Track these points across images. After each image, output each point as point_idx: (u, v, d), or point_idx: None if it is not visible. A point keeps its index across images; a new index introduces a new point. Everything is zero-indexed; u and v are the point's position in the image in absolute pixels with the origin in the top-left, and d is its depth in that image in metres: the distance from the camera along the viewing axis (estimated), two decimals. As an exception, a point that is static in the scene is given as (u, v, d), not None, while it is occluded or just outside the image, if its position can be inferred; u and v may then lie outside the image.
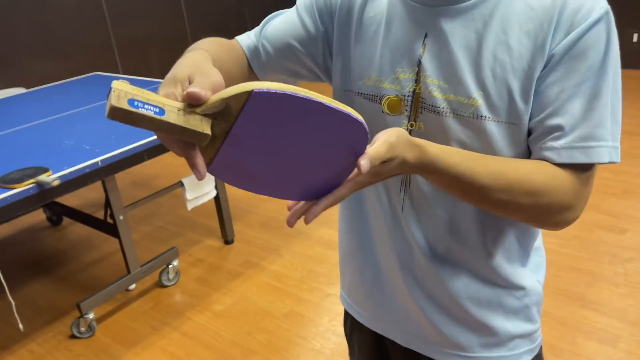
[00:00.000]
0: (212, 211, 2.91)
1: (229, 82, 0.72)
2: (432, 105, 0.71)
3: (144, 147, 1.98)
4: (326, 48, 0.83)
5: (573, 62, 0.64)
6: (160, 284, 2.42)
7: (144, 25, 5.02)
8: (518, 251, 0.80)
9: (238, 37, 0.87)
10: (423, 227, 0.78)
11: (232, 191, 3.14)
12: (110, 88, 0.47)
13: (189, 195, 2.42)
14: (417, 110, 0.73)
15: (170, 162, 3.79)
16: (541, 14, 0.64)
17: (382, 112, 0.76)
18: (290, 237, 2.73)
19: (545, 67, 0.65)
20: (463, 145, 0.70)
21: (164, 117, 0.48)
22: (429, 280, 0.81)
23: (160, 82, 2.98)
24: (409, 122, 0.74)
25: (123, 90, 0.47)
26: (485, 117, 0.68)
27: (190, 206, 2.46)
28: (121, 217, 2.13)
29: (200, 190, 2.47)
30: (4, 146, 2.12)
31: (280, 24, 0.84)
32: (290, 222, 0.59)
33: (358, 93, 0.79)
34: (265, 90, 0.49)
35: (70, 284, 2.52)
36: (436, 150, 0.63)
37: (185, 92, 0.49)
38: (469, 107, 0.68)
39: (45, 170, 1.77)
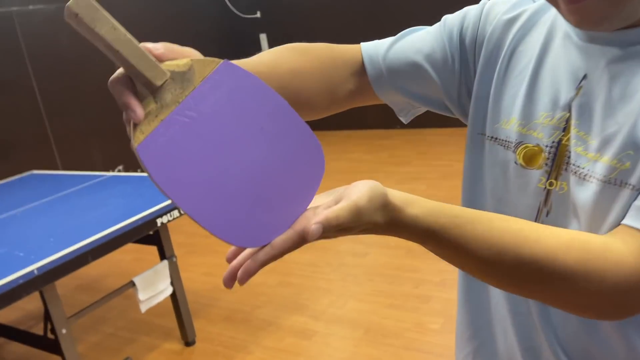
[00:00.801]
0: (168, 310, 2.63)
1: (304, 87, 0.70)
2: (577, 166, 0.58)
3: (88, 248, 1.76)
4: (463, 81, 0.71)
5: None
6: (114, 403, 2.10)
7: (83, 118, 4.86)
8: None
9: (364, 43, 0.76)
10: (552, 319, 0.64)
11: (189, 284, 2.89)
12: None
13: (142, 295, 2.17)
14: (560, 165, 0.60)
15: (120, 259, 3.50)
16: None
17: (516, 162, 0.64)
18: (258, 329, 2.49)
19: None
20: (592, 212, 0.56)
21: (122, 36, 0.45)
22: None
23: (103, 175, 2.78)
24: (548, 179, 0.61)
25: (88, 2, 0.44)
26: (626, 184, 0.54)
27: (144, 308, 2.20)
28: (64, 331, 1.86)
29: (155, 289, 2.23)
30: None
31: (415, 40, 0.73)
32: (226, 283, 0.48)
33: (491, 137, 0.67)
34: (234, 65, 0.47)
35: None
36: (417, 211, 0.50)
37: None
38: (613, 169, 0.55)
39: (-31, 286, 1.52)
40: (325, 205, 0.49)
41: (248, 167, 0.47)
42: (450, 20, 0.73)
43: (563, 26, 0.62)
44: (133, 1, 5.30)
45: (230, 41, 6.27)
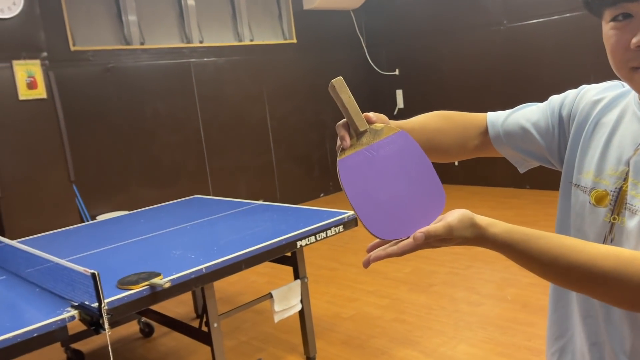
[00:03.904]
0: (294, 327, 2.97)
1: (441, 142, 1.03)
2: (631, 204, 0.81)
3: (243, 257, 2.16)
4: (561, 143, 0.97)
5: None
6: (244, 397, 2.44)
7: (235, 156, 5.54)
8: None
9: (489, 113, 1.08)
10: (613, 319, 0.85)
11: (313, 309, 3.21)
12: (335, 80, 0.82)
13: (277, 307, 2.53)
14: (621, 206, 0.83)
15: (254, 280, 3.95)
16: None
17: (590, 202, 0.88)
18: (371, 356, 2.72)
19: None
20: (638, 236, 0.78)
21: (351, 104, 0.81)
22: None
23: (253, 203, 3.25)
24: (612, 215, 0.84)
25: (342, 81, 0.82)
26: None
27: (277, 318, 2.55)
28: (215, 325, 2.26)
29: (287, 303, 2.58)
30: (120, 255, 2.38)
31: (527, 112, 1.01)
32: (364, 263, 0.75)
33: (575, 184, 0.92)
34: (408, 135, 0.82)
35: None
36: (497, 230, 0.73)
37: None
38: None
39: (157, 274, 1.97)
40: (432, 223, 0.75)
41: (395, 192, 0.78)
42: (555, 99, 1.00)
43: (632, 107, 0.86)
44: (293, 56, 5.99)
45: (370, 95, 6.74)
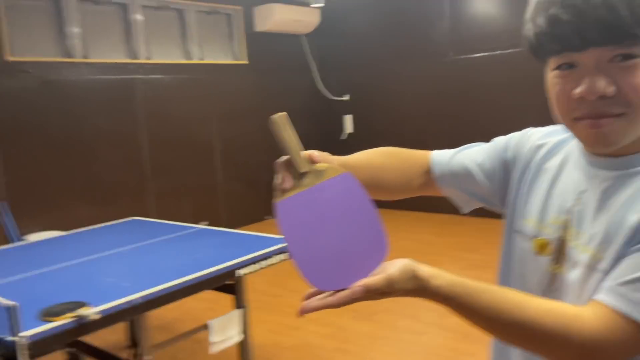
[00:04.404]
0: (233, 357, 2.86)
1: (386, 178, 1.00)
2: (572, 255, 0.79)
3: (180, 286, 2.06)
4: (504, 187, 0.95)
5: None
6: None
7: (180, 176, 5.40)
8: None
9: (434, 151, 1.04)
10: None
11: (255, 336, 3.11)
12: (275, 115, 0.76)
13: (213, 337, 2.43)
14: (562, 256, 0.81)
15: (194, 307, 3.81)
16: None
17: (532, 250, 0.86)
18: (312, 388, 2.65)
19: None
20: (578, 290, 0.76)
21: (293, 142, 0.76)
22: None
23: (194, 227, 3.14)
24: (553, 265, 0.82)
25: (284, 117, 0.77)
26: (599, 269, 0.74)
27: (214, 349, 2.45)
28: (149, 357, 2.14)
29: (225, 334, 2.48)
30: (48, 281, 2.23)
31: (471, 152, 0.99)
32: (300, 311, 0.70)
33: (518, 231, 0.90)
34: (353, 178, 0.76)
35: None
36: (440, 283, 0.70)
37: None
38: (592, 258, 0.75)
39: (84, 304, 1.85)
40: (372, 274, 0.72)
41: (336, 239, 0.73)
42: (499, 141, 0.99)
43: (574, 154, 0.86)
44: (244, 77, 5.94)
45: (320, 119, 6.76)
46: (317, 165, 0.77)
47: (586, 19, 0.68)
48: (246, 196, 6.05)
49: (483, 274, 3.75)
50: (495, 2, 5.41)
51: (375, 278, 0.69)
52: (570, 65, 0.73)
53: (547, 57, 0.76)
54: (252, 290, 3.38)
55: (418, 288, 0.70)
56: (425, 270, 0.71)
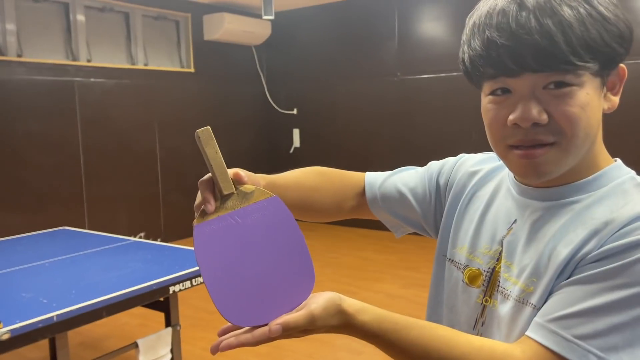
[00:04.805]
0: (163, 378, 2.73)
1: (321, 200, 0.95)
2: (503, 287, 0.76)
3: (105, 304, 1.94)
4: (437, 212, 0.92)
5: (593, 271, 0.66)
6: None
7: (117, 185, 5.18)
8: None
9: (368, 173, 1.00)
10: None
11: (187, 356, 2.98)
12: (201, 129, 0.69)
13: (142, 358, 2.30)
14: (493, 288, 0.78)
15: (125, 323, 3.62)
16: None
17: (462, 281, 0.82)
18: (245, 410, 2.55)
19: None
20: (509, 324, 0.73)
21: (218, 158, 0.69)
22: None
23: (127, 240, 3.00)
24: (484, 296, 0.79)
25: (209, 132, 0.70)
26: (530, 303, 0.71)
27: (142, 370, 2.32)
28: (66, 380, 1.99)
29: (155, 354, 2.36)
30: (-45, 296, 2.05)
31: (405, 176, 0.95)
32: (212, 349, 0.64)
33: (449, 259, 0.86)
34: (280, 202, 0.70)
35: None
36: (367, 318, 0.66)
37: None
38: (522, 291, 0.72)
39: (-5, 323, 1.70)
40: (295, 310, 0.66)
41: (258, 269, 0.67)
42: (433, 165, 0.97)
43: (506, 183, 0.84)
44: (190, 86, 5.80)
45: (267, 132, 6.70)
46: (244, 187, 0.71)
47: (522, 44, 0.66)
48: (187, 208, 5.86)
49: (422, 293, 3.80)
50: (442, 24, 5.55)
51: (295, 315, 0.64)
52: (504, 91, 0.71)
53: (482, 81, 0.73)
54: (188, 306, 3.25)
55: (343, 324, 0.66)
56: (352, 304, 0.67)
